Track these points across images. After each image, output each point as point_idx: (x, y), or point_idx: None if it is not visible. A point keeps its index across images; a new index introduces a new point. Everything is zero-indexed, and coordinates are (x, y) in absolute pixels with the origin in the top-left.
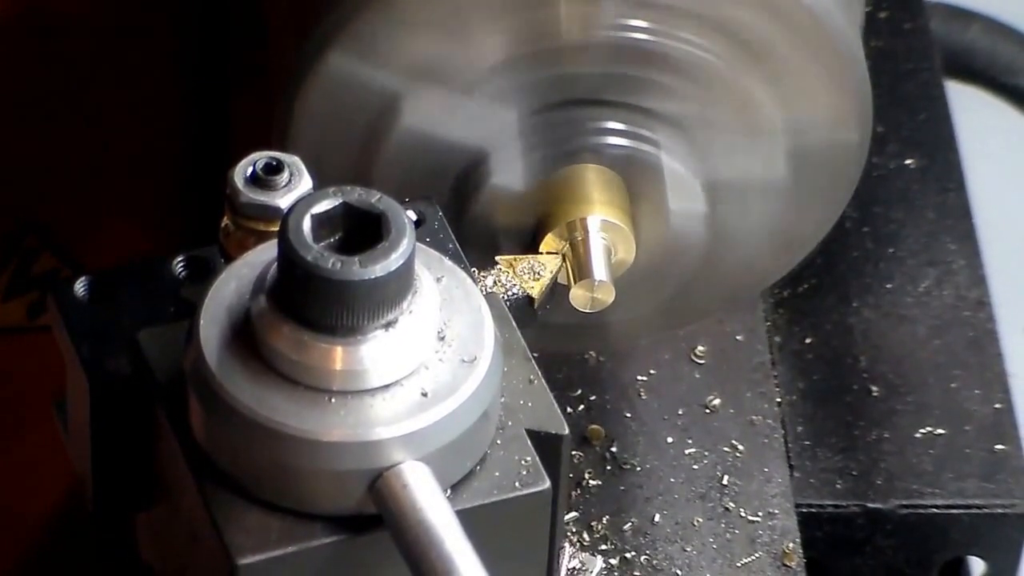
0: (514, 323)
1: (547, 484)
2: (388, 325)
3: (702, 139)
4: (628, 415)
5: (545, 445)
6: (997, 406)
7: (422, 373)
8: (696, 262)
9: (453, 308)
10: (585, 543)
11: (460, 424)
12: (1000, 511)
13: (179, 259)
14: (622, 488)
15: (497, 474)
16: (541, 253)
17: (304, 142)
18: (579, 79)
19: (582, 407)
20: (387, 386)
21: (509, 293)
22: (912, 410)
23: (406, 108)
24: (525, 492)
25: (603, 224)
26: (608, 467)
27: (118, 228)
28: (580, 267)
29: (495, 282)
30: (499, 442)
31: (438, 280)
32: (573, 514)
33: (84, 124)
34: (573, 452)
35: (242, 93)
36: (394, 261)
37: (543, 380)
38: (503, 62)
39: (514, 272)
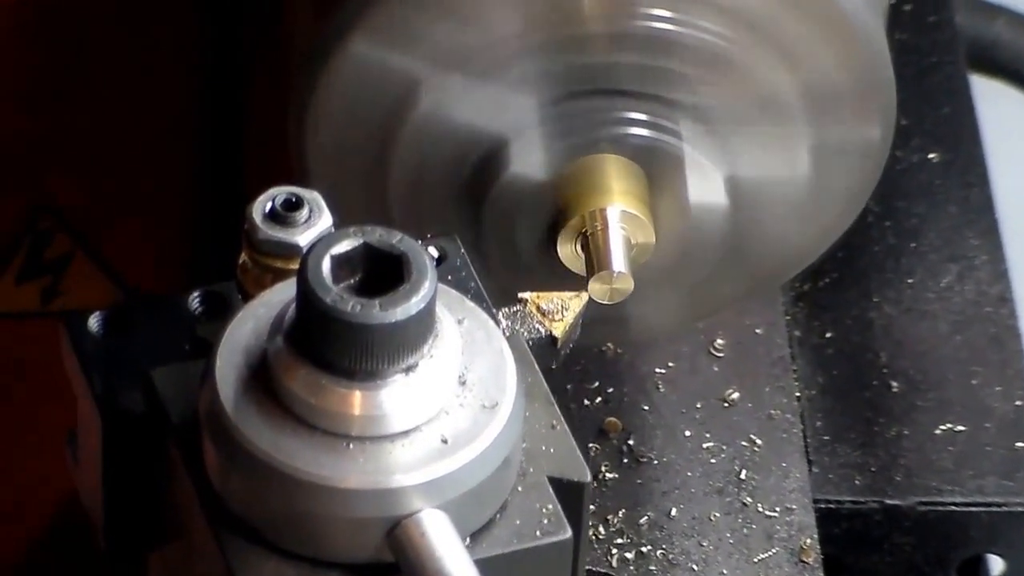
0: (536, 366)
1: (568, 533)
2: (408, 369)
3: (724, 131)
4: (646, 408)
5: (566, 492)
6: (1018, 403)
7: (442, 419)
8: (716, 254)
9: (475, 351)
10: (601, 536)
11: (481, 472)
12: (1020, 509)
13: (195, 294)
14: (639, 481)
15: (518, 522)
16: (566, 292)
17: (323, 127)
18: (601, 68)
19: (599, 399)
20: (406, 432)
21: (532, 333)
22: (932, 406)
23: (426, 94)
24: (546, 541)
25: (623, 215)
26: (625, 460)
27: (133, 210)
28: (599, 258)
29: (517, 321)
30: (520, 489)
31: (459, 322)
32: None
33: (98, 107)
34: (590, 444)
35: (258, 77)
36: (415, 304)
37: (566, 425)
38: (524, 49)
39: (538, 310)
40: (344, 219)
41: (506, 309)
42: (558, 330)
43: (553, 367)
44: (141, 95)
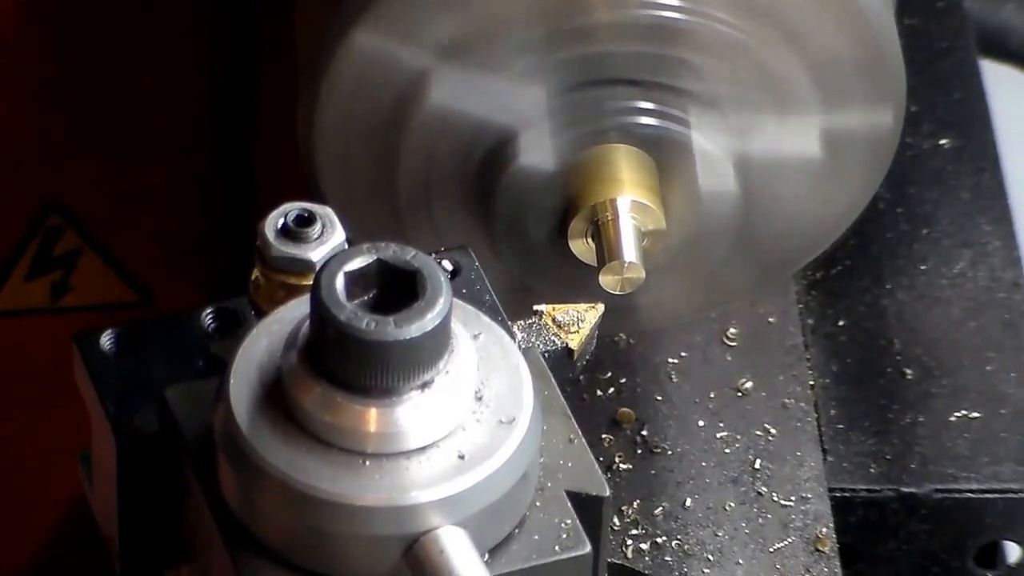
0: (553, 380)
1: (588, 548)
2: (424, 386)
3: (733, 118)
4: (659, 398)
5: (585, 506)
6: None
7: (459, 435)
8: (728, 242)
9: (491, 366)
10: (616, 528)
11: (498, 487)
12: None
13: (208, 311)
14: (653, 472)
15: (536, 537)
16: (581, 303)
17: (331, 120)
18: (609, 58)
19: (612, 390)
20: (423, 448)
21: (548, 345)
22: (947, 393)
23: (433, 86)
24: (565, 556)
25: (633, 205)
26: (639, 451)
27: (142, 207)
28: (610, 248)
29: (533, 334)
30: (538, 504)
31: (475, 337)
32: None
33: (108, 104)
34: (603, 435)
35: (268, 71)
36: (430, 321)
37: (583, 439)
38: (531, 40)
39: (553, 322)
40: (353, 214)
41: (521, 322)
42: (574, 342)
43: (571, 376)
44: (151, 92)
